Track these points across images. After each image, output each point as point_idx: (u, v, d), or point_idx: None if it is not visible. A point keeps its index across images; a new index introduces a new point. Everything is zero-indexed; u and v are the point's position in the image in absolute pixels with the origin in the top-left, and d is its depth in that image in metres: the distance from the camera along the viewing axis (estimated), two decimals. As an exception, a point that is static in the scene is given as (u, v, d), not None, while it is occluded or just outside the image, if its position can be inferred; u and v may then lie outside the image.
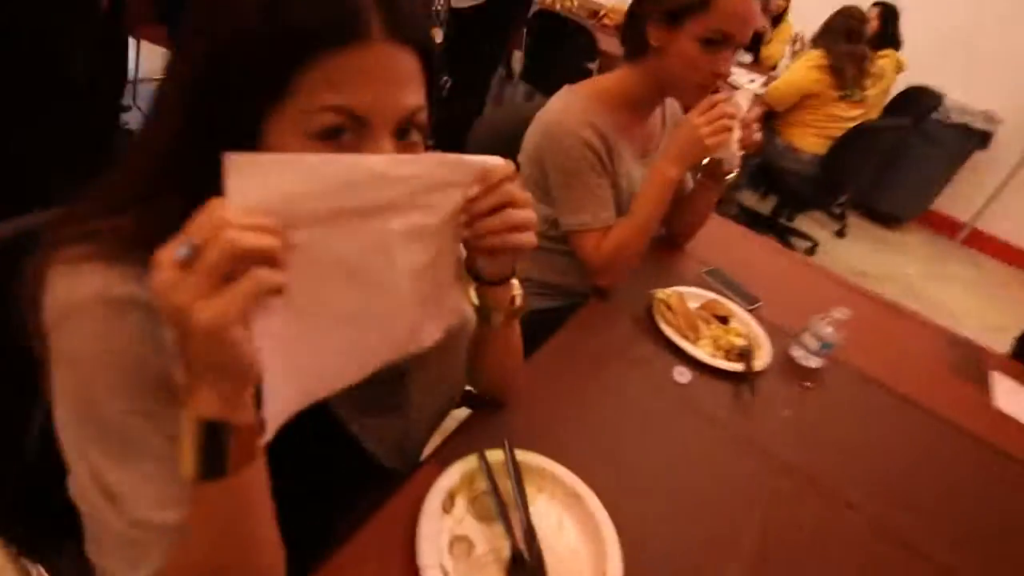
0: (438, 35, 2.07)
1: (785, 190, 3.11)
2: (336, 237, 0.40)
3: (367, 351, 0.48)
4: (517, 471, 0.66)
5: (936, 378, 1.13)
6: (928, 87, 3.54)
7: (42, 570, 0.68)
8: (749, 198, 3.77)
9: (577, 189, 1.04)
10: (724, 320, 1.08)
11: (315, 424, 0.61)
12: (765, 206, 3.48)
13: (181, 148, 0.44)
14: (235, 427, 0.38)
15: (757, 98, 2.94)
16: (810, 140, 2.86)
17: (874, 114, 3.41)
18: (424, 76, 0.47)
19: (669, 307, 1.01)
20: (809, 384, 1.01)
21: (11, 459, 0.61)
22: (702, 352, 0.97)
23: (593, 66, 2.90)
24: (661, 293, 1.03)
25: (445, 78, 2.26)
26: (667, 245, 1.32)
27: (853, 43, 2.70)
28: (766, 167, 3.03)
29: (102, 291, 0.42)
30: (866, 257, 3.53)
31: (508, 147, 1.08)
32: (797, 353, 1.06)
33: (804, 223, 3.71)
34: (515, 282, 0.63)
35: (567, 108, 1.05)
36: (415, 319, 0.50)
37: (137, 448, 0.43)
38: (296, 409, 0.44)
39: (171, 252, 0.34)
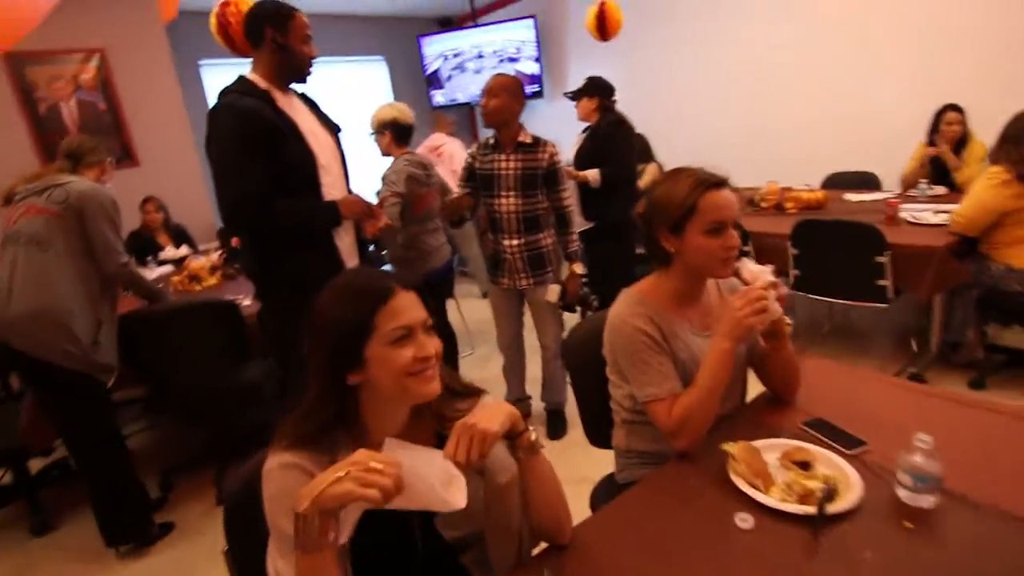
0: (579, 267, 2.59)
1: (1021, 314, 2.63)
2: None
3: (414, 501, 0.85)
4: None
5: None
6: None
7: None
8: (1003, 335, 3.17)
9: (641, 367, 1.28)
10: (805, 466, 1.11)
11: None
12: (1018, 338, 2.90)
13: (329, 390, 0.90)
14: (319, 516, 0.75)
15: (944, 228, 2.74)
16: (1031, 256, 2.49)
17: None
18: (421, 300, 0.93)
19: (735, 457, 1.11)
20: (909, 524, 0.96)
21: None
22: (769, 498, 1.03)
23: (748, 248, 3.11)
24: (729, 445, 1.14)
25: (593, 297, 2.71)
26: (774, 402, 1.39)
27: (1039, 147, 2.45)
28: (989, 297, 2.65)
29: (277, 463, 0.86)
30: None
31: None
32: (902, 493, 1.02)
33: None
34: (530, 431, 0.96)
35: (624, 305, 1.34)
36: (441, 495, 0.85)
37: (288, 545, 0.81)
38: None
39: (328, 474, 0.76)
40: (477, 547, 1.02)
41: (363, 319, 0.87)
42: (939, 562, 0.89)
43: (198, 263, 3.42)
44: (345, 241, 2.03)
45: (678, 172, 1.29)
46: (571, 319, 4.13)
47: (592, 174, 3.09)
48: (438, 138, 5.06)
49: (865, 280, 2.76)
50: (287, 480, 0.85)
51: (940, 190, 3.50)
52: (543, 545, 1.02)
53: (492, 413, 0.89)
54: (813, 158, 4.51)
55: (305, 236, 1.91)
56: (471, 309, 4.45)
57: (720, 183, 1.24)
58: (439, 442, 0.98)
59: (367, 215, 1.99)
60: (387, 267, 4.09)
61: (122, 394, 3.08)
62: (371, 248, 2.59)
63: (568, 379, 2.80)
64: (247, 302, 2.89)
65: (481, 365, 3.76)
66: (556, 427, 2.83)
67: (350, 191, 2.11)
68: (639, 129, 3.56)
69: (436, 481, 0.82)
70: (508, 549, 0.98)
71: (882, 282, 2.71)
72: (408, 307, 0.89)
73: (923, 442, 0.99)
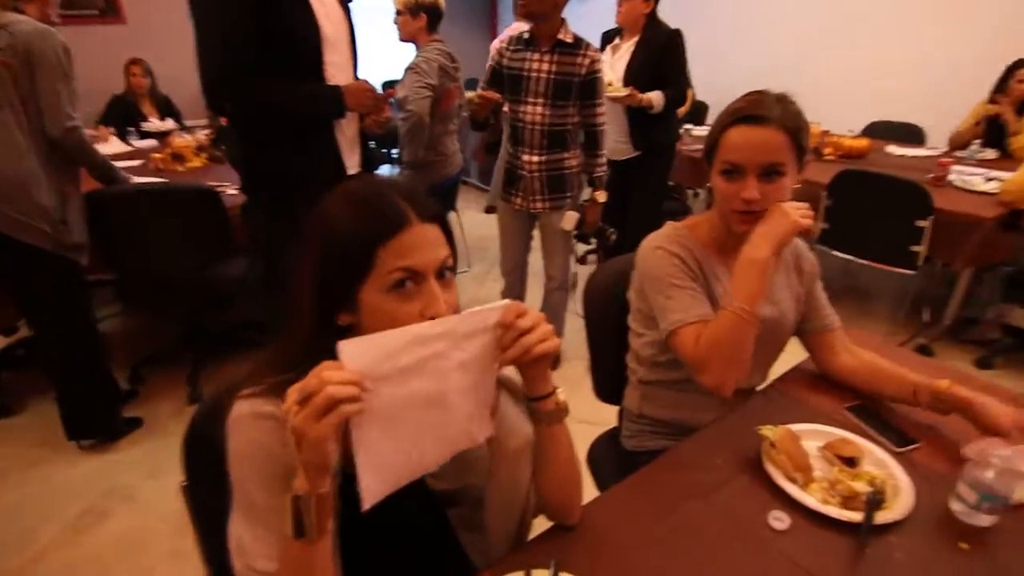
0: (602, 196, 2.36)
1: (1060, 301, 2.49)
2: (411, 378, 0.63)
3: (437, 448, 0.69)
4: (556, 592, 0.73)
5: None
6: None
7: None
8: (1020, 317, 3.05)
9: (668, 293, 1.11)
10: (852, 463, 0.98)
11: (441, 534, 0.84)
12: (1044, 322, 2.78)
13: (314, 325, 0.71)
14: (316, 497, 0.60)
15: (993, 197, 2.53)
16: (1083, 240, 2.31)
17: None
18: (446, 237, 0.72)
19: (773, 444, 0.97)
20: (965, 545, 0.84)
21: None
22: (809, 497, 0.90)
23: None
24: (767, 429, 1.00)
25: (611, 231, 2.50)
26: (814, 378, 1.25)
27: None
28: (1022, 277, 2.49)
29: (251, 410, 0.69)
30: None
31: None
32: (957, 508, 0.90)
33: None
34: (559, 393, 0.79)
35: (661, 233, 1.17)
36: (466, 426, 0.70)
37: (258, 516, 0.67)
38: (391, 490, 0.64)
39: (295, 394, 0.58)
40: (468, 506, 0.89)
41: (359, 250, 0.67)
42: (1002, 598, 0.77)
43: (183, 141, 3.12)
44: (347, 135, 1.78)
45: (746, 96, 1.07)
46: (584, 264, 3.95)
47: (655, 97, 2.68)
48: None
49: (899, 243, 2.58)
50: (259, 433, 0.69)
51: (991, 154, 3.24)
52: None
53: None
54: (856, 102, 4.17)
55: (300, 124, 1.65)
56: (472, 223, 4.24)
57: (753, 118, 1.02)
58: None
59: (375, 108, 1.73)
60: (397, 171, 3.82)
61: (95, 276, 2.92)
62: (372, 145, 2.31)
63: (567, 311, 2.70)
64: (232, 191, 2.65)
65: (476, 284, 3.61)
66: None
67: (357, 77, 1.82)
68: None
69: (458, 397, 0.67)
70: (509, 521, 0.85)
71: (916, 247, 2.53)
72: (423, 245, 0.69)
73: (999, 458, 0.86)
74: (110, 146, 3.31)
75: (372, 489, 0.62)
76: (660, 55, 2.71)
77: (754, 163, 1.02)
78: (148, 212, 2.17)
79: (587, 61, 2.13)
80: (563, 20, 2.14)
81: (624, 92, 2.63)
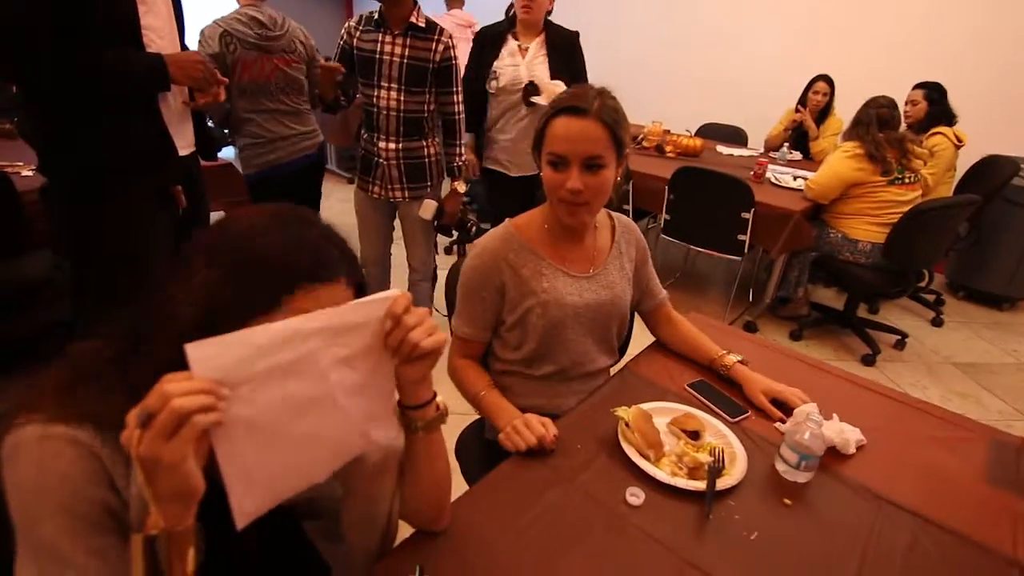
0: (461, 186, 2.32)
1: (850, 283, 2.95)
2: (280, 381, 0.55)
3: (325, 455, 0.63)
4: (421, 599, 0.70)
5: (962, 489, 1.01)
6: (1001, 156, 3.32)
7: None
8: (823, 294, 3.59)
9: (460, 301, 1.22)
10: (695, 436, 1.06)
11: (297, 548, 0.75)
12: (840, 301, 3.29)
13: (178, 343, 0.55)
14: (175, 535, 0.52)
15: (799, 193, 2.93)
16: (865, 229, 2.75)
17: (943, 192, 3.24)
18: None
19: (628, 424, 1.02)
20: (788, 501, 0.95)
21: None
22: (660, 471, 0.96)
23: (628, 187, 3.07)
24: (621, 410, 1.05)
25: (472, 222, 2.50)
26: (661, 359, 1.34)
27: (888, 129, 2.65)
28: (824, 261, 2.92)
29: (42, 434, 0.55)
30: (971, 345, 3.16)
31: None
32: (781, 467, 1.01)
33: (893, 313, 3.44)
34: (438, 400, 0.74)
35: (487, 237, 1.19)
36: (362, 427, 0.64)
37: (63, 561, 0.55)
38: (270, 506, 0.57)
39: (135, 417, 0.49)
40: (325, 518, 0.83)
41: (280, 285, 0.59)
42: (821, 542, 0.88)
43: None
44: (173, 107, 1.54)
45: (569, 89, 1.12)
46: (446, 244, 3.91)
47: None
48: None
49: (728, 233, 2.88)
50: (58, 462, 0.55)
51: (796, 155, 3.75)
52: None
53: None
54: (691, 104, 4.61)
55: (108, 98, 1.41)
56: (332, 213, 4.00)
57: (573, 109, 1.05)
58: None
59: (207, 83, 1.52)
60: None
61: None
62: (210, 124, 2.06)
63: (433, 304, 2.65)
64: (27, 172, 2.23)
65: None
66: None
67: (185, 46, 1.60)
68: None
69: (346, 397, 0.61)
70: (370, 536, 0.79)
71: (742, 236, 2.85)
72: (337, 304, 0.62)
73: (815, 422, 0.98)
74: None
75: (245, 507, 0.55)
76: (568, 57, 2.47)
77: (576, 154, 1.05)
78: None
79: (441, 47, 2.08)
80: (416, 3, 2.07)
81: None
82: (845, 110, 3.46)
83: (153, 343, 0.58)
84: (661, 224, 3.13)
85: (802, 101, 3.69)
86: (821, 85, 3.58)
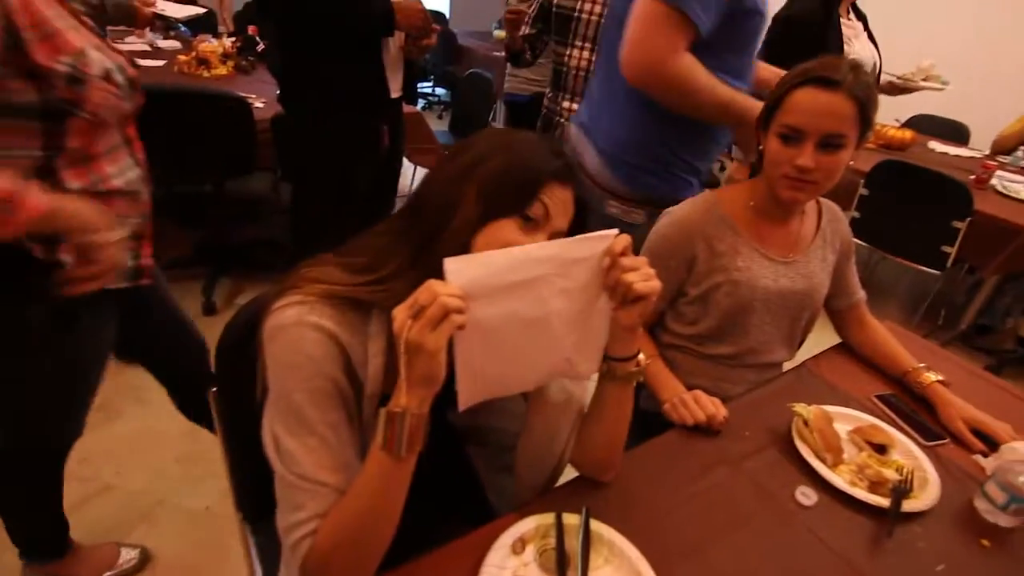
0: None
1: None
2: (510, 298, 0.63)
3: (532, 369, 0.71)
4: (587, 537, 0.74)
5: None
6: None
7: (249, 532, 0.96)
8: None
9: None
10: (882, 450, 0.98)
11: (460, 470, 0.82)
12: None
13: (423, 243, 0.67)
14: (415, 416, 0.60)
15: None
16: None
17: None
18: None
19: (806, 422, 0.97)
20: (986, 543, 0.85)
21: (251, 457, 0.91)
22: (837, 477, 0.91)
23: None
24: (800, 407, 0.99)
25: None
26: (845, 362, 1.24)
27: None
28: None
29: (297, 319, 0.66)
30: None
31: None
32: (982, 506, 0.90)
33: None
34: (641, 356, 0.77)
35: (688, 203, 1.15)
36: (569, 355, 0.71)
37: (308, 427, 0.65)
38: (485, 397, 0.68)
39: (405, 310, 0.58)
40: (492, 447, 0.89)
41: (536, 180, 0.67)
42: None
43: (209, 46, 3.00)
44: (392, 54, 1.70)
45: (818, 58, 1.01)
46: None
47: None
48: None
49: (930, 241, 2.53)
50: (308, 344, 0.65)
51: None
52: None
53: None
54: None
55: (347, 38, 1.58)
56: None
57: (823, 80, 0.96)
58: None
59: (425, 31, 1.64)
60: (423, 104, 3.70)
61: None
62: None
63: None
64: (259, 104, 2.57)
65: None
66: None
67: None
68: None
69: (561, 324, 0.67)
70: (539, 473, 0.84)
71: (947, 248, 2.49)
72: (566, 203, 0.70)
73: (1036, 464, 0.86)
74: (132, 41, 3.20)
75: (467, 393, 0.65)
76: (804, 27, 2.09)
77: (816, 129, 0.97)
78: (174, 115, 2.10)
79: None
80: None
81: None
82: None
83: (441, 242, 0.65)
84: (848, 221, 2.82)
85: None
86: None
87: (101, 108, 0.91)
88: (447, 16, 6.41)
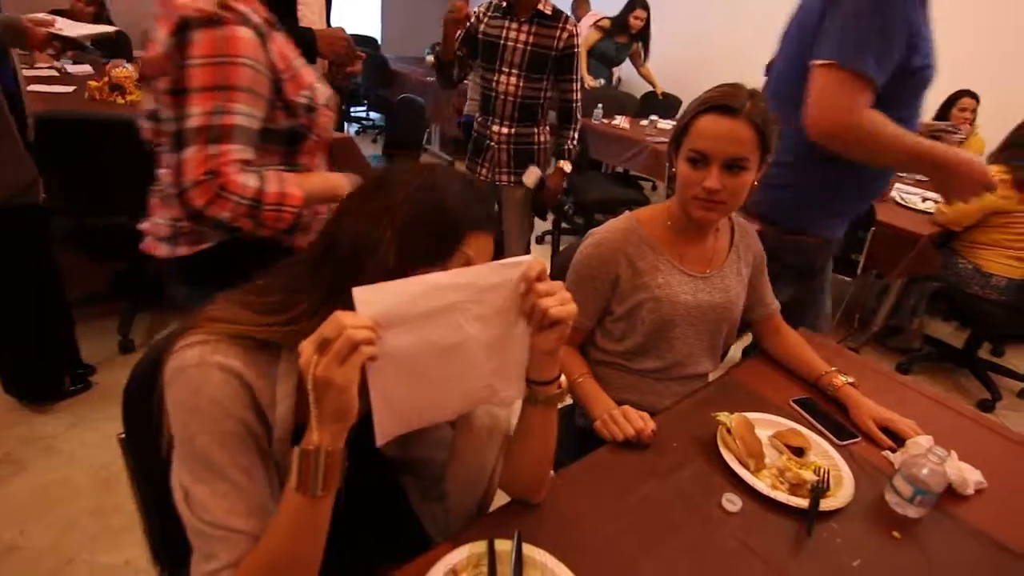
0: (567, 166, 2.32)
1: (976, 320, 2.70)
2: (425, 327, 0.61)
3: (453, 397, 0.69)
4: (519, 561, 0.73)
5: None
6: None
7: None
8: (939, 328, 3.30)
9: (572, 284, 1.19)
10: (800, 452, 1.02)
11: (393, 501, 0.79)
12: (959, 338, 3.01)
13: (335, 285, 0.62)
14: (329, 453, 0.57)
15: (929, 216, 2.71)
16: (1002, 263, 2.50)
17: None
18: None
19: (729, 430, 1.01)
20: (897, 535, 0.90)
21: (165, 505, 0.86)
22: (760, 482, 0.94)
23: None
24: (723, 416, 1.03)
25: (570, 207, 2.50)
26: (764, 371, 1.30)
27: (1046, 157, 2.39)
28: (948, 292, 2.68)
29: (199, 360, 0.63)
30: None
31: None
32: (892, 499, 0.96)
33: (1020, 358, 3.11)
34: (562, 379, 0.77)
35: (608, 224, 1.19)
36: (490, 381, 0.69)
37: (217, 472, 0.62)
38: (404, 431, 0.66)
39: (311, 345, 0.55)
40: (424, 477, 0.88)
41: (455, 231, 0.65)
42: (926, 582, 0.83)
43: (124, 71, 2.87)
44: None
45: (720, 86, 1.08)
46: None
47: None
48: None
49: (842, 251, 2.71)
50: (211, 388, 0.62)
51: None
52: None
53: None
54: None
55: None
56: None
57: (724, 108, 1.02)
58: None
59: (349, 58, 1.63)
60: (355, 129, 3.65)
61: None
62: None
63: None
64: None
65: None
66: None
67: (329, 22, 1.72)
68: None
69: (479, 351, 0.66)
70: (470, 499, 0.84)
71: (856, 256, 2.68)
72: (486, 252, 0.68)
73: (937, 456, 0.92)
74: (37, 69, 3.02)
75: (385, 426, 0.63)
76: None
77: (720, 154, 1.03)
78: (90, 143, 1.99)
79: (565, 35, 2.10)
80: None
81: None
82: (989, 131, 3.15)
83: (315, 273, 0.65)
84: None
85: (941, 119, 3.38)
86: (968, 101, 3.26)
87: (324, 131, 1.16)
88: (379, 41, 6.42)
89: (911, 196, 2.96)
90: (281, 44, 1.07)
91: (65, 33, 1.88)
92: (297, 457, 0.58)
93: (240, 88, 0.97)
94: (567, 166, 2.32)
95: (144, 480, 0.87)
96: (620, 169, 4.23)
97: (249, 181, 0.99)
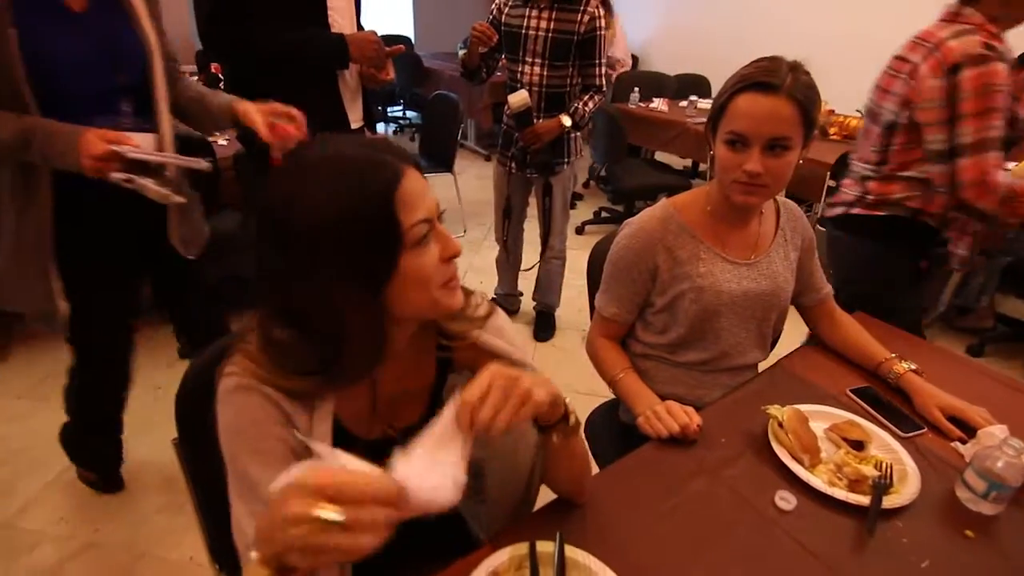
0: (567, 120, 2.16)
1: (1055, 294, 2.50)
2: None
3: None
4: (562, 564, 0.72)
5: None
6: None
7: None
8: (1013, 306, 3.07)
9: (608, 278, 1.19)
10: (859, 446, 0.97)
11: None
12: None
13: (366, 317, 0.61)
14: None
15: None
16: (1084, 232, 2.31)
17: None
18: None
19: (781, 424, 0.96)
20: (970, 533, 0.84)
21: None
22: (816, 478, 0.89)
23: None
24: (774, 409, 0.98)
25: (559, 163, 2.32)
26: (818, 359, 1.23)
27: None
28: (1018, 268, 2.49)
29: (236, 384, 0.65)
30: None
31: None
32: (964, 495, 0.89)
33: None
34: (571, 410, 0.72)
35: (646, 214, 1.15)
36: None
37: (256, 492, 0.63)
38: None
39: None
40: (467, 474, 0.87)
41: (383, 217, 0.58)
42: (1004, 585, 0.77)
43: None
44: (350, 86, 1.69)
45: (757, 61, 1.01)
46: (576, 220, 3.90)
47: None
48: None
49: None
50: (250, 408, 0.65)
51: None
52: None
53: (539, 379, 0.63)
54: (865, 83, 4.10)
55: (300, 73, 1.57)
56: (468, 188, 4.17)
57: (763, 85, 0.96)
58: (441, 362, 0.79)
59: (380, 62, 1.64)
60: (392, 128, 3.69)
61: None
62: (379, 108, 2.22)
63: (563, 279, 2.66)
64: (223, 141, 2.56)
65: (472, 251, 3.56)
66: (544, 329, 2.70)
67: (360, 25, 1.73)
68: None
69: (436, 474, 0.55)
70: (512, 489, 0.84)
71: (917, 233, 2.52)
72: (423, 189, 0.62)
73: (1013, 448, 0.85)
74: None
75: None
76: None
77: (760, 135, 0.98)
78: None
79: (586, 18, 2.04)
80: None
81: None
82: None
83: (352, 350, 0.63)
84: (819, 214, 2.85)
85: (1009, 78, 3.13)
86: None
87: None
88: (412, 40, 6.45)
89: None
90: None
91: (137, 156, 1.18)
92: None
93: (999, 109, 1.27)
94: (567, 120, 2.16)
95: (197, 482, 0.90)
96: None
97: (1002, 179, 1.31)
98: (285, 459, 0.65)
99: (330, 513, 0.43)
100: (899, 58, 1.49)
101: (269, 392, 0.64)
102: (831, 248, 1.73)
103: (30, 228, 1.21)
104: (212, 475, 0.70)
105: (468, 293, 0.79)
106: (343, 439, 0.70)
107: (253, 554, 0.49)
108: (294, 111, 1.30)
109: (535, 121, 2.12)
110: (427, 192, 0.63)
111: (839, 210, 1.65)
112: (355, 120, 1.74)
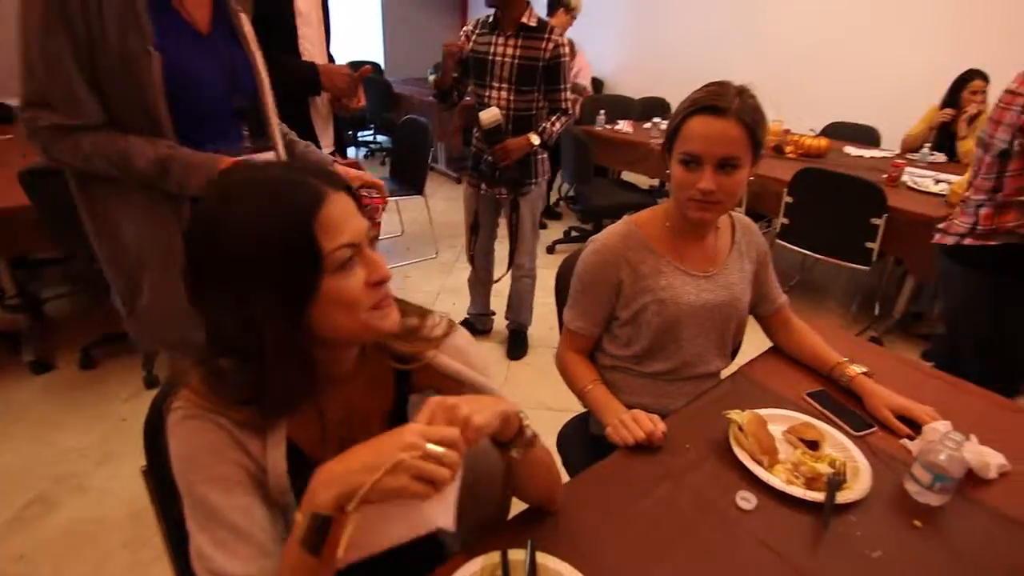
0: (536, 139, 2.25)
1: None
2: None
3: (399, 531, 0.61)
4: (533, 571, 0.74)
5: None
6: None
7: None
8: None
9: (575, 293, 1.23)
10: (814, 446, 1.02)
11: None
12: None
13: (287, 342, 0.61)
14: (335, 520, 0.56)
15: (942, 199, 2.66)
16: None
17: None
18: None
19: (741, 428, 1.00)
20: (918, 523, 0.89)
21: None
22: (775, 478, 0.94)
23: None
24: (735, 413, 1.03)
25: (528, 183, 2.47)
26: (776, 366, 1.29)
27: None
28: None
29: (184, 415, 0.66)
30: None
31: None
32: (911, 487, 0.94)
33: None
34: (525, 424, 0.74)
35: (608, 231, 1.20)
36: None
37: (215, 518, 0.64)
38: (359, 558, 0.59)
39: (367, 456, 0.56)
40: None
41: (303, 242, 0.59)
42: (954, 569, 0.82)
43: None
44: (321, 112, 1.72)
45: (707, 86, 1.08)
46: (546, 238, 3.96)
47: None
48: None
49: (854, 239, 2.68)
50: (201, 432, 0.65)
51: (939, 157, 3.40)
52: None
53: (482, 403, 0.65)
54: (816, 103, 4.31)
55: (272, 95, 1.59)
56: (439, 210, 4.21)
57: (712, 108, 1.02)
58: (399, 383, 0.80)
59: (350, 92, 1.67)
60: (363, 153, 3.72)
61: (42, 255, 2.76)
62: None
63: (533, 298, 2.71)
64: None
65: (444, 272, 3.58)
66: (517, 348, 2.73)
67: (330, 53, 1.77)
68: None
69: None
70: (482, 507, 0.85)
71: (870, 244, 2.64)
72: (348, 214, 0.63)
73: (954, 441, 0.91)
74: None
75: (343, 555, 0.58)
76: None
77: (712, 154, 1.04)
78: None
79: (551, 45, 2.13)
80: (528, 3, 2.13)
81: None
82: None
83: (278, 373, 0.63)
84: (777, 228, 2.97)
85: (951, 101, 3.31)
86: (978, 83, 3.18)
87: None
88: (382, 66, 6.53)
89: (923, 179, 2.92)
90: None
91: None
92: (309, 520, 0.56)
93: None
94: (535, 138, 2.25)
95: (167, 511, 0.89)
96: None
97: None
98: (243, 483, 0.66)
99: (435, 447, 0.56)
100: (1009, 92, 1.58)
101: (219, 420, 0.65)
102: (944, 281, 1.83)
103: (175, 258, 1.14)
104: (181, 503, 0.70)
105: (424, 313, 0.80)
106: (299, 462, 0.70)
107: (297, 516, 0.57)
108: (379, 181, 1.33)
109: (501, 127, 2.19)
110: (352, 216, 0.63)
111: (951, 240, 1.74)
112: (326, 145, 1.78)
